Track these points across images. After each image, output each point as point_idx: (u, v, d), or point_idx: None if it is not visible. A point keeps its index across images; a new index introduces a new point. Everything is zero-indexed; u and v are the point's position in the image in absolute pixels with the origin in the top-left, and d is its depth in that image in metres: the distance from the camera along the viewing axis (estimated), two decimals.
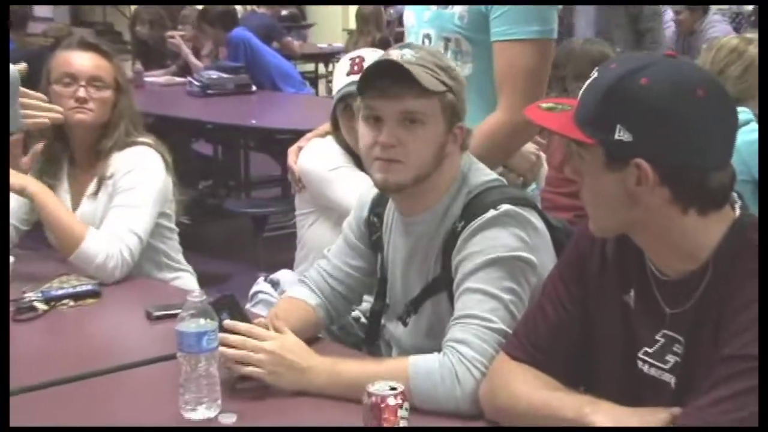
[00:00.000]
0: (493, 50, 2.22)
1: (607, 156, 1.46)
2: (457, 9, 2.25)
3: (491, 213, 1.84)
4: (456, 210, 1.89)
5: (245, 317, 1.87)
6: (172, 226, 2.74)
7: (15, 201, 2.64)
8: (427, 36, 2.30)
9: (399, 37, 7.55)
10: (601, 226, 1.56)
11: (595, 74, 1.51)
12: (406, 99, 1.84)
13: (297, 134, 5.53)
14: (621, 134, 1.43)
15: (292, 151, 2.63)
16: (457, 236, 1.86)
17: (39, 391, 1.83)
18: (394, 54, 1.85)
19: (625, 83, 1.44)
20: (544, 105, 1.57)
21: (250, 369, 1.77)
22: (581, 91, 1.52)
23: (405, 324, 1.98)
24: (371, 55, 2.49)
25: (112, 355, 2.04)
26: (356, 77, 2.40)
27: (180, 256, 2.75)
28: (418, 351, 1.83)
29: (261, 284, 2.38)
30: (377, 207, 2.07)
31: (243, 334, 1.79)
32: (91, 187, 2.62)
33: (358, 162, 2.47)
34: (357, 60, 2.50)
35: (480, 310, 1.77)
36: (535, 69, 2.20)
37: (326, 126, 2.64)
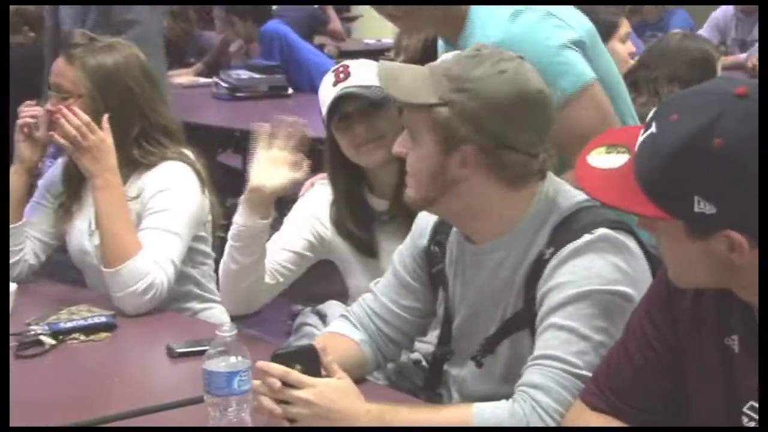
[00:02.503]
0: None
1: (688, 229, 1.46)
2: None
3: (585, 238, 1.84)
4: (543, 237, 1.89)
5: (321, 375, 1.84)
6: (208, 250, 2.78)
7: (38, 210, 2.72)
8: None
9: None
10: (687, 283, 1.56)
11: (653, 129, 1.47)
12: (404, 108, 1.90)
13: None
14: (702, 206, 1.42)
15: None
16: (545, 265, 1.86)
17: None
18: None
19: (695, 148, 1.41)
20: (596, 153, 1.54)
21: (286, 425, 1.79)
22: (639, 144, 1.49)
23: (480, 365, 1.98)
24: (356, 63, 2.53)
25: (129, 397, 2.07)
26: (347, 82, 2.45)
27: (213, 286, 2.78)
28: (488, 399, 1.83)
29: (307, 316, 2.40)
30: (439, 234, 2.07)
31: (279, 379, 1.80)
32: None
33: (359, 192, 2.51)
34: (340, 69, 2.53)
35: (564, 352, 1.77)
36: (587, 124, 2.18)
37: None
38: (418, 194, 1.93)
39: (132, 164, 2.65)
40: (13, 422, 1.85)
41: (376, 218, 2.52)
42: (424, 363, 2.27)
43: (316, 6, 8.22)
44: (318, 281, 5.08)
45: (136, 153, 2.65)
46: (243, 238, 2.28)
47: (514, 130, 1.86)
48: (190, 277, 2.71)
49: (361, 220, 2.51)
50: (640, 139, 1.49)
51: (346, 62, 2.57)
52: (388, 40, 9.70)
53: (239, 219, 2.29)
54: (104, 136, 2.55)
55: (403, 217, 2.37)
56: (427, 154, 1.89)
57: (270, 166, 2.27)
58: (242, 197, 2.30)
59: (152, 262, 2.49)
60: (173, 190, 2.62)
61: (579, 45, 2.28)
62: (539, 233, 1.90)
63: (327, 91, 2.51)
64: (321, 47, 7.58)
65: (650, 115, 1.50)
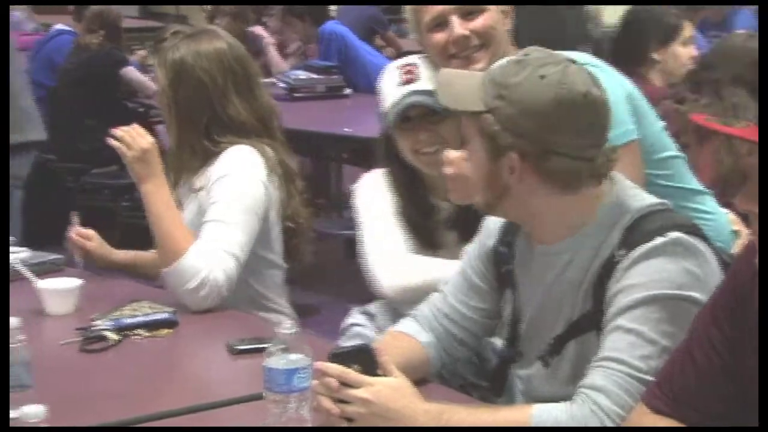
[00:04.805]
0: None
1: None
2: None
3: (658, 240, 1.82)
4: (613, 238, 1.88)
5: (378, 374, 1.85)
6: (271, 257, 2.70)
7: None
8: None
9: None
10: None
11: None
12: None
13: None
14: None
15: None
16: (615, 267, 1.85)
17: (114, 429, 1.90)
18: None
19: None
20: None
21: (345, 425, 1.80)
22: None
23: (547, 365, 1.98)
24: (424, 62, 2.51)
25: (190, 392, 2.11)
26: (414, 86, 2.45)
27: (278, 296, 2.73)
28: (555, 399, 1.82)
29: (356, 316, 2.42)
30: (507, 235, 2.07)
31: (337, 379, 1.81)
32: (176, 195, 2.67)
33: (418, 188, 2.52)
34: (409, 68, 2.51)
35: (629, 355, 1.77)
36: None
37: None
38: (480, 200, 1.95)
39: (201, 156, 2.66)
40: (77, 415, 1.90)
41: (436, 214, 2.52)
42: (475, 359, 2.28)
43: (377, 7, 8.24)
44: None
45: (207, 144, 2.65)
46: None
47: (557, 135, 1.85)
48: (246, 283, 2.64)
49: (422, 210, 2.51)
50: None
51: (414, 59, 2.55)
52: None
53: None
54: (151, 141, 2.57)
55: (461, 220, 2.38)
56: (478, 161, 1.91)
57: None
58: None
59: (204, 258, 2.48)
60: (232, 175, 2.59)
61: (629, 101, 2.34)
62: (610, 235, 1.89)
63: (390, 89, 2.50)
64: (380, 49, 7.60)
65: None
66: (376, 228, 2.52)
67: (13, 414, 1.85)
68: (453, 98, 1.94)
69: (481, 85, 1.89)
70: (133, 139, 2.56)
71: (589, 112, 1.87)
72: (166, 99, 2.67)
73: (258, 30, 6.99)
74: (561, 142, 1.85)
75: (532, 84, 1.85)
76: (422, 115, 2.44)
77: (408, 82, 2.49)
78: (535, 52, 1.93)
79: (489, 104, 1.87)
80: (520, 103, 1.85)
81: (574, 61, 1.91)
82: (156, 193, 2.56)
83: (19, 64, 4.11)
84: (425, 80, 2.45)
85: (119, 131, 2.58)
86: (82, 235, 2.75)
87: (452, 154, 2.17)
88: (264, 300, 2.71)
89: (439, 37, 2.42)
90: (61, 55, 6.11)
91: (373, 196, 2.58)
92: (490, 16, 2.42)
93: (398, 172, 2.55)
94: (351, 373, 1.81)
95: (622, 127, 2.27)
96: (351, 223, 6.17)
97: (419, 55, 2.58)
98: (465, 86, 1.92)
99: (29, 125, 4.20)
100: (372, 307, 2.46)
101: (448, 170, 2.19)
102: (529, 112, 1.84)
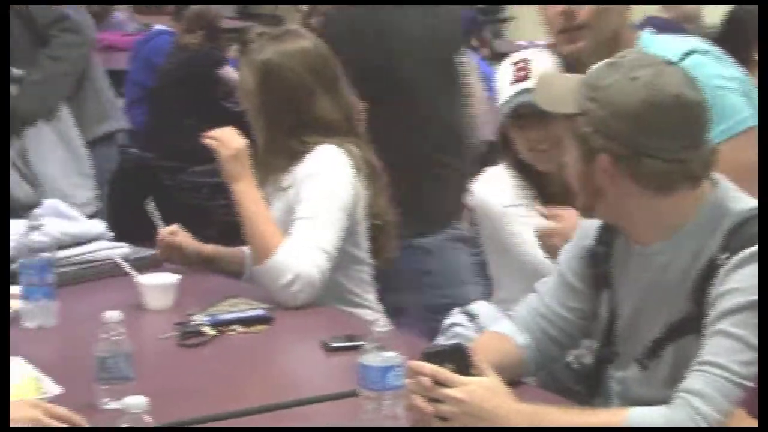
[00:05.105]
0: None
1: None
2: None
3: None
4: (715, 241, 1.86)
5: (471, 374, 1.85)
6: (358, 253, 2.72)
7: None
8: None
9: None
10: None
11: None
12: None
13: (489, 146, 5.51)
14: None
15: None
16: (718, 270, 1.83)
17: (211, 423, 1.93)
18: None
19: None
20: None
21: (438, 424, 1.80)
22: None
23: (644, 367, 1.96)
24: (537, 57, 2.51)
25: (285, 388, 2.13)
26: (525, 84, 2.44)
27: (367, 292, 2.76)
28: (651, 402, 1.81)
29: (456, 316, 2.42)
30: (604, 235, 2.06)
31: (430, 378, 1.81)
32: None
33: (539, 185, 2.52)
34: (521, 65, 2.51)
35: (729, 360, 1.75)
36: (740, 166, 2.15)
37: None
38: (578, 202, 1.96)
39: (288, 155, 2.68)
40: (174, 408, 1.93)
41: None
42: (575, 365, 2.26)
43: (473, 9, 8.22)
44: (458, 283, 5.10)
45: (294, 144, 2.67)
46: None
47: (648, 137, 1.83)
48: (334, 280, 2.64)
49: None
50: None
51: (528, 55, 2.55)
52: (542, 41, 9.63)
53: None
54: (244, 141, 2.61)
55: None
56: (574, 163, 1.91)
57: None
58: None
59: (295, 255, 2.50)
60: (320, 174, 2.62)
61: (744, 89, 2.32)
62: (711, 237, 1.87)
63: (503, 86, 2.52)
64: (475, 49, 7.58)
65: None
66: (516, 216, 2.54)
67: (115, 405, 1.90)
68: (549, 99, 1.94)
69: (577, 87, 1.89)
70: (227, 138, 2.61)
71: (681, 114, 1.85)
72: (255, 100, 2.70)
73: None
74: (652, 145, 1.84)
75: (623, 86, 1.84)
76: (533, 113, 2.44)
77: (519, 80, 2.50)
78: (632, 53, 1.92)
79: (582, 106, 1.87)
80: (610, 105, 1.84)
81: (671, 63, 1.89)
82: (247, 191, 2.59)
83: (96, 62, 4.23)
84: (537, 78, 2.45)
85: (215, 131, 2.63)
86: (171, 233, 2.81)
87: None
88: (352, 296, 2.73)
89: (552, 9, 2.40)
90: (161, 56, 6.21)
91: (495, 186, 2.60)
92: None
93: (516, 168, 2.58)
94: (444, 372, 1.81)
95: (739, 115, 2.27)
96: None
97: (535, 49, 2.58)
98: (563, 88, 1.92)
99: (114, 114, 4.32)
100: (474, 308, 2.46)
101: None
102: (620, 114, 1.83)
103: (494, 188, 2.63)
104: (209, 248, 2.87)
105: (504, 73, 2.55)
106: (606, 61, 1.92)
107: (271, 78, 2.68)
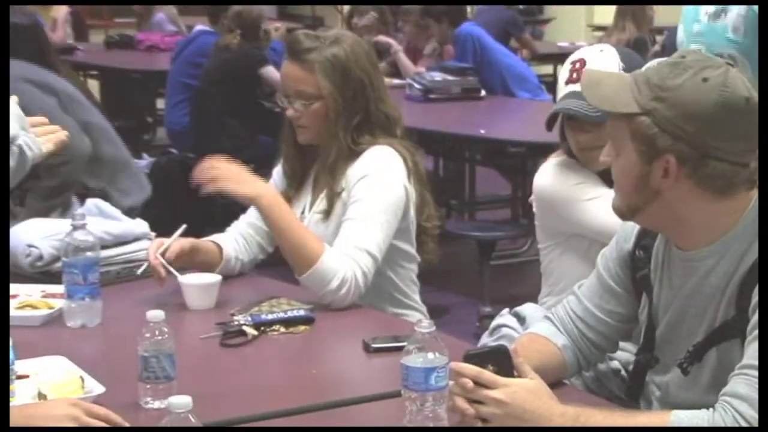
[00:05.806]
0: None
1: None
2: (730, 19, 2.21)
3: None
4: (757, 246, 1.84)
5: (513, 375, 1.85)
6: (411, 251, 2.73)
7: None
8: None
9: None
10: None
11: None
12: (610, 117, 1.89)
13: (531, 147, 5.50)
14: None
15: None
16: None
17: (253, 423, 1.93)
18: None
19: None
20: None
21: (480, 425, 1.80)
22: None
23: (686, 372, 1.95)
24: (595, 57, 2.49)
25: (327, 388, 2.14)
26: (574, 87, 2.42)
27: (413, 292, 2.76)
28: (693, 407, 1.79)
29: (506, 317, 2.41)
30: (644, 239, 2.05)
31: (472, 379, 1.81)
32: (318, 204, 2.69)
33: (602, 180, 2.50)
34: (577, 65, 2.50)
35: None
36: None
37: None
38: (622, 203, 1.93)
39: (346, 155, 2.64)
40: (216, 407, 1.94)
41: None
42: (623, 372, 2.25)
43: (513, 9, 8.20)
44: (508, 284, 5.08)
45: (350, 143, 2.64)
46: None
47: (717, 139, 1.82)
48: (385, 276, 2.67)
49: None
50: None
51: (586, 53, 2.54)
52: (582, 42, 9.62)
53: None
54: (235, 164, 2.56)
55: None
56: (629, 163, 1.88)
57: None
58: None
59: (340, 258, 2.50)
60: (373, 175, 2.60)
61: None
62: (755, 241, 1.85)
63: (561, 84, 2.53)
64: (516, 50, 7.56)
65: None
66: (588, 193, 2.51)
67: (158, 404, 1.92)
68: (602, 98, 1.91)
69: (633, 86, 1.87)
70: (221, 170, 2.55)
71: (749, 117, 1.84)
72: (335, 105, 2.62)
73: (385, 38, 7.03)
74: (721, 147, 1.83)
75: (694, 87, 1.82)
76: (581, 117, 2.43)
77: (571, 81, 2.49)
78: (692, 54, 1.90)
79: (645, 106, 1.84)
80: (681, 106, 1.82)
81: (732, 65, 1.88)
82: (274, 204, 2.56)
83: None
84: (583, 77, 2.44)
85: (202, 170, 2.56)
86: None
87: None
88: (399, 294, 2.73)
89: None
90: (203, 56, 6.24)
91: (559, 172, 2.59)
92: None
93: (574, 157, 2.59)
94: (486, 374, 1.81)
95: None
96: (484, 225, 6.19)
97: (597, 47, 2.57)
98: (614, 86, 1.89)
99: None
100: (523, 309, 2.45)
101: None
102: (691, 115, 1.82)
103: (558, 174, 2.60)
104: (188, 243, 2.68)
105: (564, 70, 2.55)
106: (662, 60, 1.91)
107: (347, 76, 2.63)
